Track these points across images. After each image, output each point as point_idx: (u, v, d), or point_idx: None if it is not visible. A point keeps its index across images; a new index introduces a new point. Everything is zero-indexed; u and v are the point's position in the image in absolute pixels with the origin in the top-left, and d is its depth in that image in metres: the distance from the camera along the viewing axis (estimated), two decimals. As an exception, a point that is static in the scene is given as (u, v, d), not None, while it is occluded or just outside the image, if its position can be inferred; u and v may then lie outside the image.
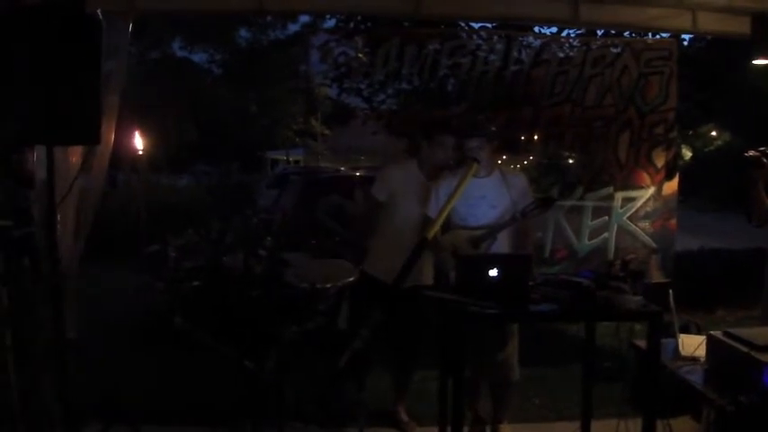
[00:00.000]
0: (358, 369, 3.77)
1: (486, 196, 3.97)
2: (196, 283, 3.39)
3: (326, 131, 10.06)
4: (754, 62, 5.16)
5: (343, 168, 7.03)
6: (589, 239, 5.77)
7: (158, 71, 21.55)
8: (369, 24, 7.83)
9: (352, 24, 8.48)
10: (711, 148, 27.71)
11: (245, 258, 3.45)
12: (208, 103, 25.30)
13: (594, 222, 5.79)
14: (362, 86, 5.71)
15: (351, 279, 3.53)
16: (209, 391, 4.31)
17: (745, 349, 2.60)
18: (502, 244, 3.92)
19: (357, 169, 6.74)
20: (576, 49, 5.75)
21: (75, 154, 3.84)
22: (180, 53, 25.86)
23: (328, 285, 3.41)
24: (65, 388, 3.22)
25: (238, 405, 3.53)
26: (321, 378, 4.01)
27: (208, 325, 3.34)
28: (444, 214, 3.82)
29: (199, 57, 27.48)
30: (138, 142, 9.43)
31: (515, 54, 5.65)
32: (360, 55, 5.54)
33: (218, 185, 15.70)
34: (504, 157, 5.64)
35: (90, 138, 3.22)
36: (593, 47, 5.72)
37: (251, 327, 3.33)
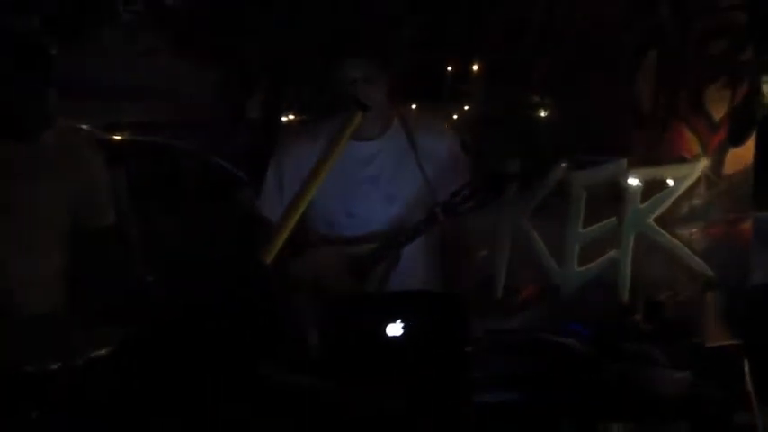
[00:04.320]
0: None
1: (378, 177, 2.54)
2: None
3: None
4: None
5: None
6: (581, 263, 3.10)
7: None
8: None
9: None
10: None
11: None
12: None
13: (591, 229, 3.09)
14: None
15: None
16: None
17: None
18: (411, 271, 2.49)
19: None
20: None
21: None
22: None
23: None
24: None
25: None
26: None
27: None
28: (295, 215, 2.39)
29: None
30: None
31: None
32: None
33: None
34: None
35: None
36: None
37: None
